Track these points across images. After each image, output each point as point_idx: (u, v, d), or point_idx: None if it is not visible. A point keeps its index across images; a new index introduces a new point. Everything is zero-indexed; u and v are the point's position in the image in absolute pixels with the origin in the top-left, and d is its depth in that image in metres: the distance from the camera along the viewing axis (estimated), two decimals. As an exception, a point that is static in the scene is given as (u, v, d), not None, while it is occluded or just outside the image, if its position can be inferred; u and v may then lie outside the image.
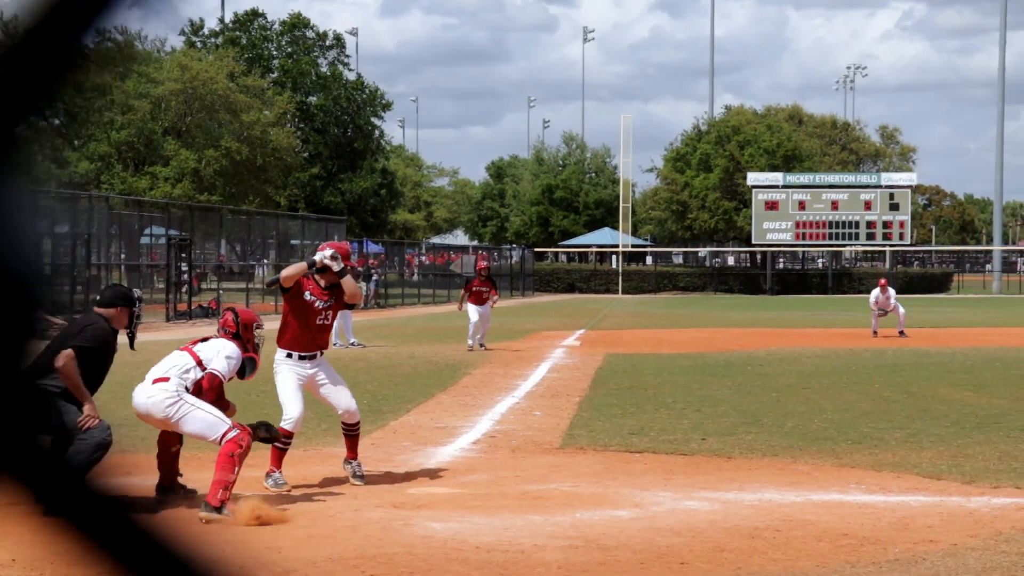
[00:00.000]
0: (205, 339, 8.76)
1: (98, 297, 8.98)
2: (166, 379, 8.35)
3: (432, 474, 9.86)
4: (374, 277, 48.28)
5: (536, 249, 78.88)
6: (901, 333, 28.87)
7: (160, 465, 8.57)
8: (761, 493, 8.91)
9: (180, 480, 8.60)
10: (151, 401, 8.33)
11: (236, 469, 8.17)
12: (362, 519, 7.91)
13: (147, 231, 40.46)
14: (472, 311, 23.84)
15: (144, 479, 9.44)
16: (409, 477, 9.67)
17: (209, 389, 8.39)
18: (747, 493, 8.90)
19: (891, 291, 30.18)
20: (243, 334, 8.75)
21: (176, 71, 45.67)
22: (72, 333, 8.65)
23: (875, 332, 29.31)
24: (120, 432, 12.01)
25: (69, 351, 8.45)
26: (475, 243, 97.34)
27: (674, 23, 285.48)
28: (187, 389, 8.32)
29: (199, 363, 8.42)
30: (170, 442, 8.56)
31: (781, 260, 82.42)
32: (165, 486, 8.55)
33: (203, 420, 8.26)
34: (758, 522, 7.89)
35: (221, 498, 8.02)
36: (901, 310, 29.56)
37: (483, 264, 25.44)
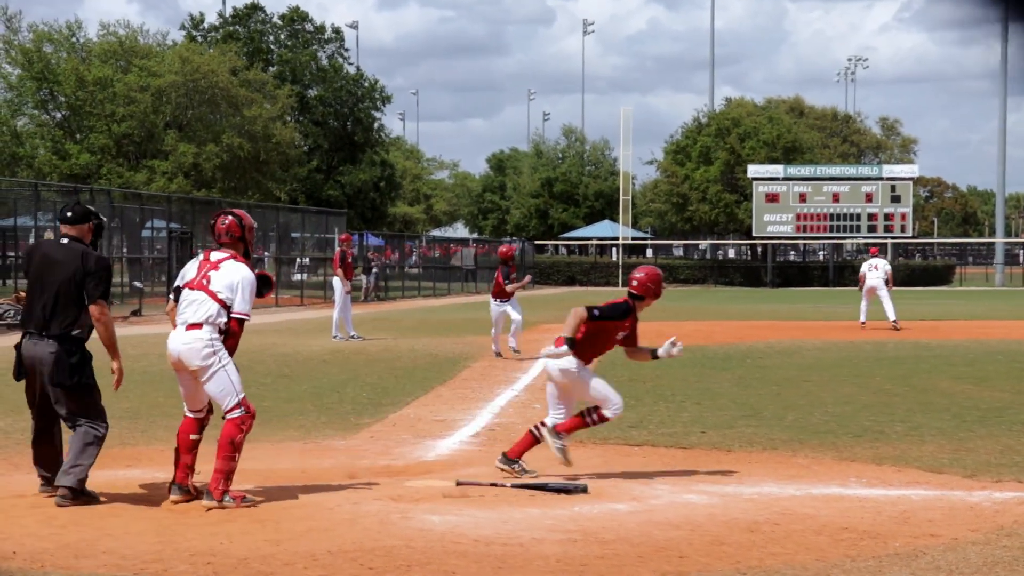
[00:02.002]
0: (215, 265, 8.34)
1: (69, 214, 8.62)
2: (199, 326, 8.20)
3: (431, 467, 9.86)
4: (374, 270, 48.26)
5: (536, 242, 78.85)
6: (895, 325, 28.10)
7: (177, 459, 8.35)
8: (760, 487, 8.91)
9: (194, 480, 8.38)
10: (190, 348, 8.17)
11: (237, 456, 8.16)
12: (361, 512, 7.91)
13: (148, 224, 40.42)
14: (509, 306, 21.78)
15: (145, 471, 9.46)
16: (408, 470, 9.66)
17: (237, 332, 8.33)
18: (746, 487, 8.90)
19: (882, 263, 29.20)
20: (247, 236, 8.52)
21: (177, 63, 45.61)
22: (95, 277, 8.39)
23: (863, 323, 28.56)
24: (121, 425, 12.02)
25: (103, 302, 8.27)
26: (475, 236, 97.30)
27: (671, 15, 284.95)
28: (221, 332, 8.24)
29: (223, 305, 8.24)
30: (190, 430, 8.38)
31: (791, 253, 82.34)
32: (181, 485, 8.31)
33: (226, 383, 8.22)
34: (757, 516, 7.88)
35: (223, 488, 8.06)
36: (889, 304, 28.54)
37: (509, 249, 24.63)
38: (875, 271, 29.04)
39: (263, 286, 8.62)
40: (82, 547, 6.98)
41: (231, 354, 8.29)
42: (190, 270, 8.45)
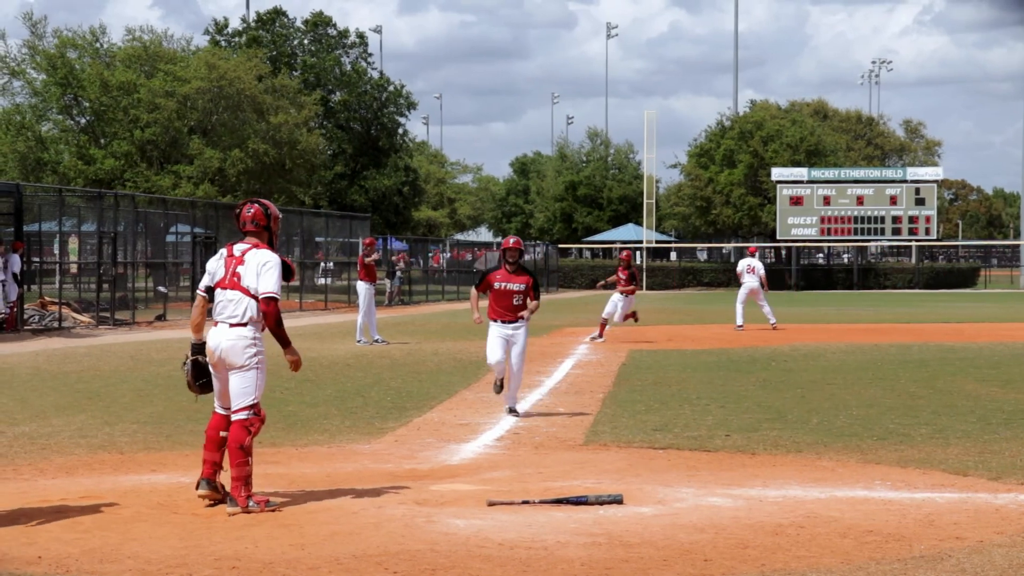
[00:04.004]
0: (240, 260, 8.45)
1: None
2: (243, 325, 8.37)
3: (456, 471, 9.86)
4: (397, 274, 48.34)
5: (560, 245, 78.80)
6: (774, 326, 28.04)
7: (206, 456, 8.40)
8: (785, 490, 8.89)
9: (220, 478, 8.43)
10: (233, 346, 8.34)
11: (249, 460, 8.20)
12: (385, 516, 7.92)
13: (172, 229, 40.59)
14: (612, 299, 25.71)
15: (170, 476, 9.50)
16: (433, 474, 9.67)
17: (269, 311, 8.43)
18: (771, 490, 8.88)
19: (759, 264, 28.93)
20: (272, 226, 8.61)
21: (203, 69, 45.79)
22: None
23: (740, 326, 28.28)
24: (146, 430, 12.09)
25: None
26: (499, 240, 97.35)
27: (692, 18, 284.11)
28: (262, 328, 8.48)
29: (255, 298, 8.40)
30: (220, 426, 8.42)
31: (817, 256, 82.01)
32: (210, 480, 8.35)
33: (251, 383, 8.39)
34: (782, 519, 7.87)
35: (245, 494, 8.10)
36: (767, 306, 28.43)
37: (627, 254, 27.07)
38: (752, 274, 28.81)
39: (285, 272, 8.66)
40: (107, 551, 7.02)
41: (281, 328, 8.48)
42: (219, 268, 8.52)
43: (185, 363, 8.62)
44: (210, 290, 8.52)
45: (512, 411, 13.23)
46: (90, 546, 7.15)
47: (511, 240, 13.32)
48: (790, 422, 12.60)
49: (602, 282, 26.90)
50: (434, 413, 13.57)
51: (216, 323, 8.46)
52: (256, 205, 8.61)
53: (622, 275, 25.73)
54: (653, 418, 12.98)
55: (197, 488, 8.34)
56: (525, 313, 13.15)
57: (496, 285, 13.14)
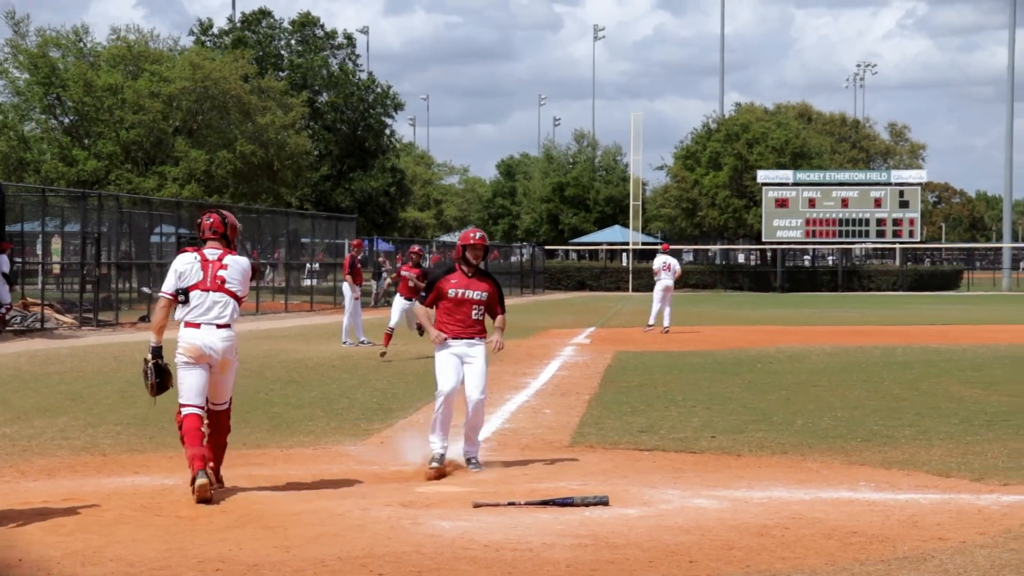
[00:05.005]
0: (220, 264, 8.87)
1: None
2: (228, 326, 8.85)
3: (441, 472, 9.83)
4: (384, 275, 48.28)
5: (546, 247, 78.80)
6: (664, 330, 27.69)
7: (197, 452, 8.65)
8: (770, 491, 8.90)
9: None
10: (228, 346, 8.83)
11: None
12: (371, 518, 7.91)
13: (157, 229, 40.49)
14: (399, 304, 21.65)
15: (153, 478, 9.47)
16: (418, 475, 9.65)
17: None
18: (756, 491, 8.89)
19: (674, 261, 28.63)
20: (229, 234, 9.09)
21: (188, 69, 45.67)
22: None
23: (650, 325, 27.99)
24: (130, 431, 12.05)
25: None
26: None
27: (677, 21, 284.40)
28: None
29: (239, 301, 8.97)
30: (200, 423, 8.80)
31: (803, 258, 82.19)
32: (205, 471, 8.52)
33: (233, 378, 9.04)
34: (767, 520, 7.88)
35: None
36: (668, 308, 28.09)
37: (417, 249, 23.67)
38: (668, 271, 28.51)
39: (252, 273, 9.27)
40: (89, 554, 6.99)
41: None
42: (192, 271, 8.83)
43: (147, 367, 8.83)
44: (179, 292, 8.80)
45: (472, 462, 9.95)
46: (72, 549, 7.11)
47: (475, 235, 10.23)
48: (775, 424, 12.62)
49: (388, 280, 25.01)
50: (420, 415, 13.54)
51: (198, 325, 8.75)
52: (215, 214, 9.15)
53: (410, 273, 21.72)
54: (639, 420, 12.99)
55: (195, 481, 8.37)
56: (496, 338, 10.24)
57: (451, 293, 10.06)
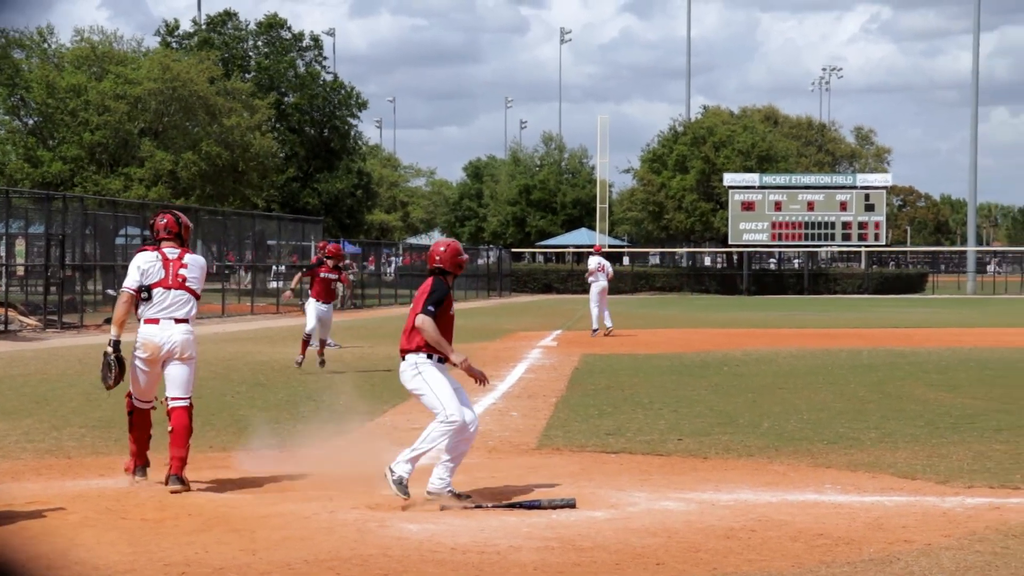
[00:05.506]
0: (180, 263, 9.20)
1: None
2: (186, 321, 9.19)
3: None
4: (350, 278, 48.17)
5: (513, 249, 78.83)
6: (606, 332, 27.64)
7: (138, 448, 9.22)
8: (737, 493, 8.93)
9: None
10: (187, 340, 9.14)
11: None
12: (338, 521, 7.88)
13: (122, 231, 40.20)
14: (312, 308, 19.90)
15: (118, 481, 9.40)
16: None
17: None
18: (723, 493, 8.92)
19: (607, 264, 28.55)
20: (183, 234, 9.38)
21: (156, 70, 45.39)
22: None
23: (595, 330, 27.87)
24: (94, 434, 11.96)
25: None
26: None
27: (643, 24, 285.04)
28: None
29: (197, 298, 9.32)
30: (149, 422, 9.22)
31: (769, 261, 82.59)
32: (142, 467, 9.23)
33: (193, 373, 9.27)
34: (734, 522, 7.90)
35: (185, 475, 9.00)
36: (606, 310, 27.97)
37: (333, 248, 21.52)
38: (602, 272, 28.52)
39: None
40: (54, 557, 6.93)
41: None
42: (154, 269, 9.13)
43: (109, 359, 9.07)
44: (142, 289, 9.10)
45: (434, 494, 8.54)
46: (36, 552, 7.05)
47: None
48: (741, 426, 12.66)
49: (297, 278, 23.19)
50: (386, 417, 13.52)
51: (156, 321, 9.08)
52: (169, 215, 9.47)
53: (329, 275, 20.32)
54: (606, 422, 13.01)
55: (134, 475, 9.16)
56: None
57: (452, 309, 8.94)
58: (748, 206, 70.76)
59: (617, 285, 73.35)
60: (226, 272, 41.89)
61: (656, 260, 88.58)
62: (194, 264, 9.28)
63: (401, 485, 8.34)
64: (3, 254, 32.39)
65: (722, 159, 73.50)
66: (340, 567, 6.75)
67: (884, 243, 73.41)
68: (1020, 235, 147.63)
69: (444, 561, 6.88)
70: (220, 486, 9.08)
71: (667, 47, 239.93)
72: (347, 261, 51.20)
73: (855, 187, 71.31)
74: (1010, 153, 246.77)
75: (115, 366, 9.02)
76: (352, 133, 65.87)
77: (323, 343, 20.01)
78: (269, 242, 48.52)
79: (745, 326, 33.94)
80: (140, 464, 9.18)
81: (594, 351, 23.61)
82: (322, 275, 20.19)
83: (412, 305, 8.79)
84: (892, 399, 15.19)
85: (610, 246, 76.66)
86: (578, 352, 23.24)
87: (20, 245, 34.25)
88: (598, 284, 28.28)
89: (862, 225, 70.33)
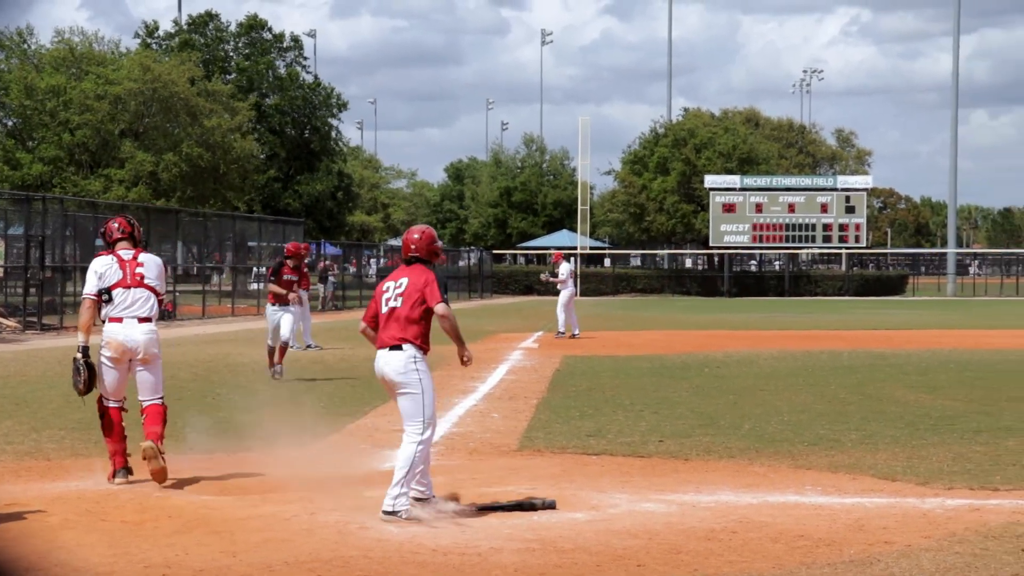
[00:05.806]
0: (137, 262, 9.46)
1: None
2: (149, 320, 9.40)
3: (389, 477, 9.80)
4: (331, 279, 48.08)
5: (494, 251, 78.82)
6: (575, 335, 28.17)
7: (115, 448, 9.37)
8: (718, 495, 8.94)
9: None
10: (149, 339, 9.35)
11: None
12: (318, 522, 7.87)
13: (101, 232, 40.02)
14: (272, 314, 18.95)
15: (98, 482, 9.37)
16: (366, 480, 9.61)
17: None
18: (704, 495, 8.93)
19: (568, 268, 28.93)
20: (136, 234, 9.65)
21: (137, 71, 45.23)
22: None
23: (561, 332, 28.32)
24: (73, 436, 11.91)
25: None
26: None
27: (624, 26, 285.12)
28: None
29: (159, 296, 9.52)
30: (121, 418, 9.44)
31: (750, 263, 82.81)
32: (127, 468, 9.37)
33: (161, 372, 9.48)
34: (715, 524, 7.91)
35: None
36: (573, 315, 28.48)
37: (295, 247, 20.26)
38: (572, 278, 29.12)
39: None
40: (33, 560, 6.90)
41: None
42: (111, 271, 9.37)
43: (78, 364, 9.32)
44: (102, 292, 9.33)
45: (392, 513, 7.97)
46: (16, 555, 7.02)
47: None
48: (722, 428, 12.68)
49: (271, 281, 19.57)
50: (367, 419, 13.50)
51: (120, 319, 9.29)
52: (120, 218, 9.79)
53: (291, 277, 19.44)
54: (587, 424, 13.01)
55: (115, 478, 9.22)
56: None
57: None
58: (729, 208, 70.91)
59: (598, 287, 73.73)
60: (207, 273, 41.75)
61: (637, 262, 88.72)
62: (150, 262, 9.53)
63: (412, 510, 7.90)
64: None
65: (703, 161, 73.62)
66: (320, 569, 6.73)
67: (865, 245, 73.66)
68: (1000, 237, 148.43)
69: (425, 563, 6.87)
70: (200, 488, 9.05)
71: (648, 49, 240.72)
72: (328, 262, 51.06)
73: (836, 189, 71.54)
74: (990, 155, 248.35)
75: (84, 371, 9.29)
76: (333, 134, 65.79)
77: (283, 348, 18.46)
78: (250, 244, 48.41)
79: (726, 328, 34.01)
80: (121, 466, 9.31)
81: (575, 353, 23.63)
82: (284, 277, 19.10)
83: (401, 291, 8.36)
84: (872, 401, 15.23)
85: (591, 248, 76.82)
86: (559, 354, 23.25)
87: (-1, 246, 34.08)
88: (568, 290, 28.71)
89: (843, 227, 70.57)
